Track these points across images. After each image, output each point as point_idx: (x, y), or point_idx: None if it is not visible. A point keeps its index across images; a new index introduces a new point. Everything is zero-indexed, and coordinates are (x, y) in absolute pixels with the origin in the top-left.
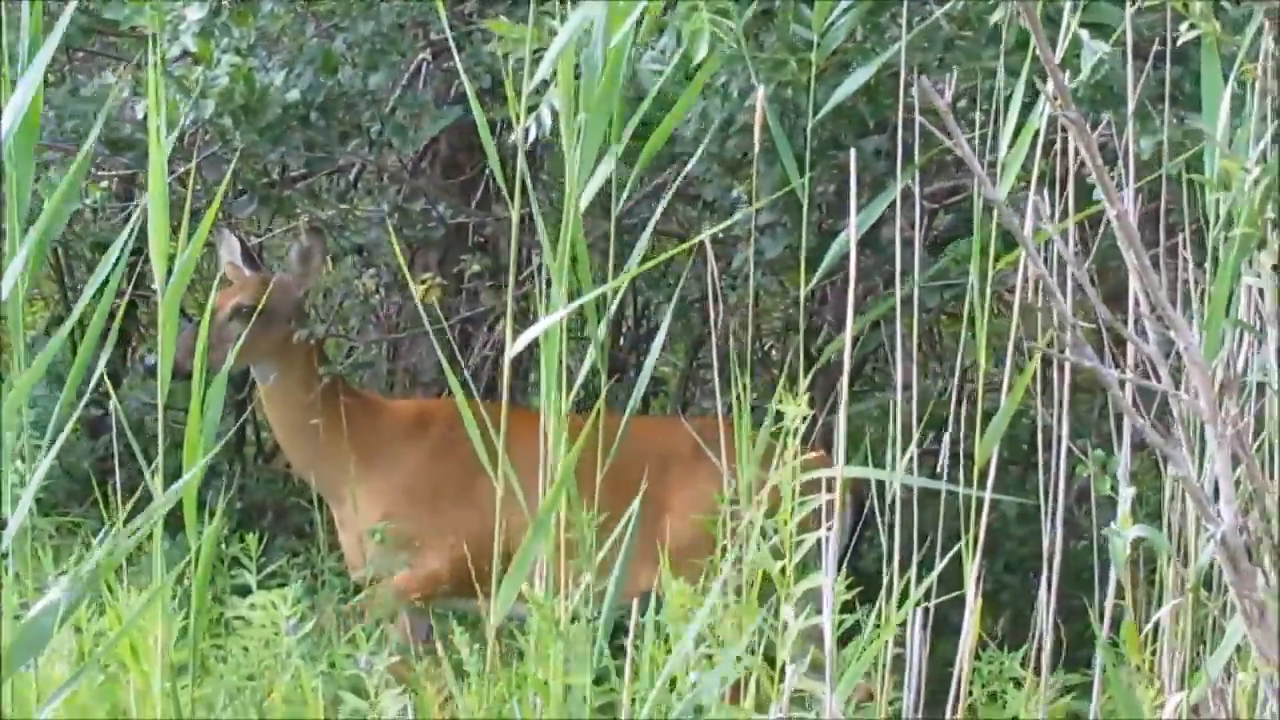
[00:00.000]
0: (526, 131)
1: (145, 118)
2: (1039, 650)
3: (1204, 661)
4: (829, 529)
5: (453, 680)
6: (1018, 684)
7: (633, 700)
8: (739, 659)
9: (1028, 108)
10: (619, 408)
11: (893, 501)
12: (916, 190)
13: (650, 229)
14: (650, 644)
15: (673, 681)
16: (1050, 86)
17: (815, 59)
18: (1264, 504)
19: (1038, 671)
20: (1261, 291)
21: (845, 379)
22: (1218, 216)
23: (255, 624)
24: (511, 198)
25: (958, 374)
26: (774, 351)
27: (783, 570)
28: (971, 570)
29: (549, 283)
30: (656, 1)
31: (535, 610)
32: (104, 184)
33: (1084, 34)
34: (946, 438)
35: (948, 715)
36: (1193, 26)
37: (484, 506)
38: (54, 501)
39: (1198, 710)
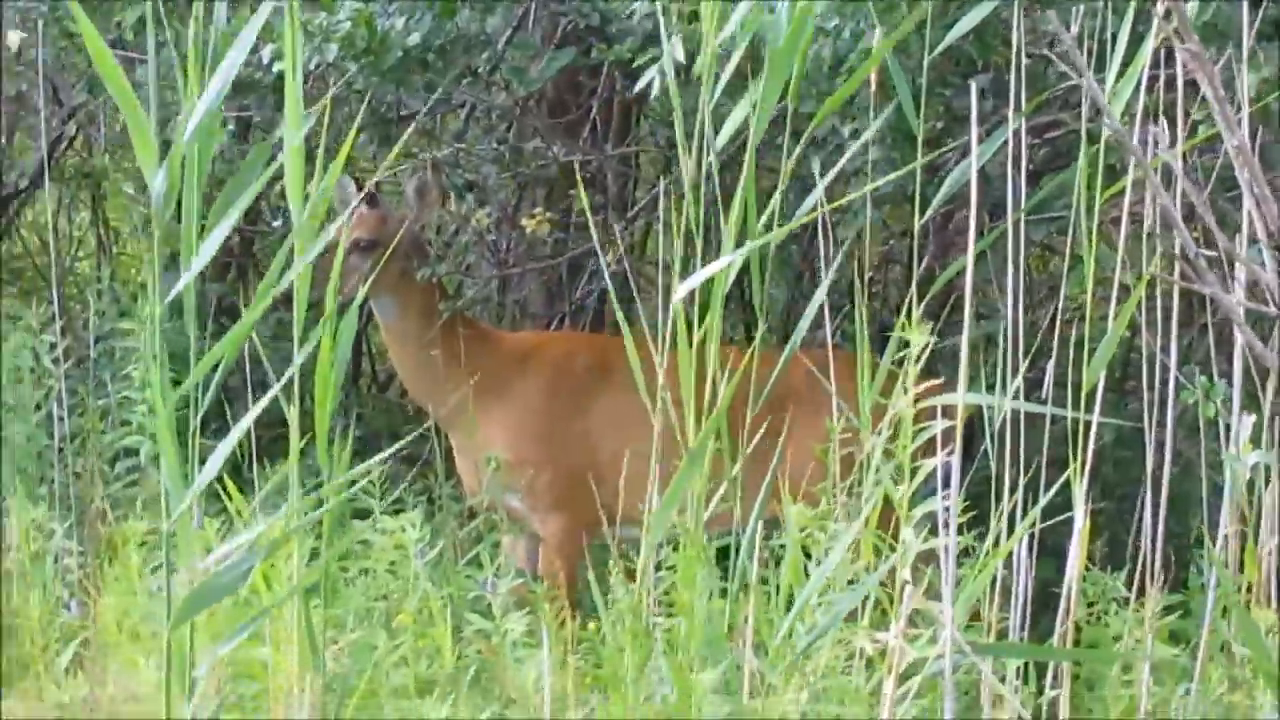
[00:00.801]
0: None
1: (269, 61)
2: (1143, 571)
3: None
4: (948, 454)
5: (599, 599)
6: (1121, 604)
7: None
8: (851, 580)
9: (1131, 46)
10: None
11: (1000, 427)
12: (1021, 127)
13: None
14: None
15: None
16: (1169, 19)
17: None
18: None
19: (1140, 592)
20: None
21: (968, 307)
22: None
23: (380, 549)
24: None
25: (1061, 302)
26: (873, 284)
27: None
28: (1080, 493)
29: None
30: None
31: (685, 537)
32: (228, 125)
33: None
34: (1050, 364)
35: (1056, 633)
36: None
37: (594, 432)
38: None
39: None
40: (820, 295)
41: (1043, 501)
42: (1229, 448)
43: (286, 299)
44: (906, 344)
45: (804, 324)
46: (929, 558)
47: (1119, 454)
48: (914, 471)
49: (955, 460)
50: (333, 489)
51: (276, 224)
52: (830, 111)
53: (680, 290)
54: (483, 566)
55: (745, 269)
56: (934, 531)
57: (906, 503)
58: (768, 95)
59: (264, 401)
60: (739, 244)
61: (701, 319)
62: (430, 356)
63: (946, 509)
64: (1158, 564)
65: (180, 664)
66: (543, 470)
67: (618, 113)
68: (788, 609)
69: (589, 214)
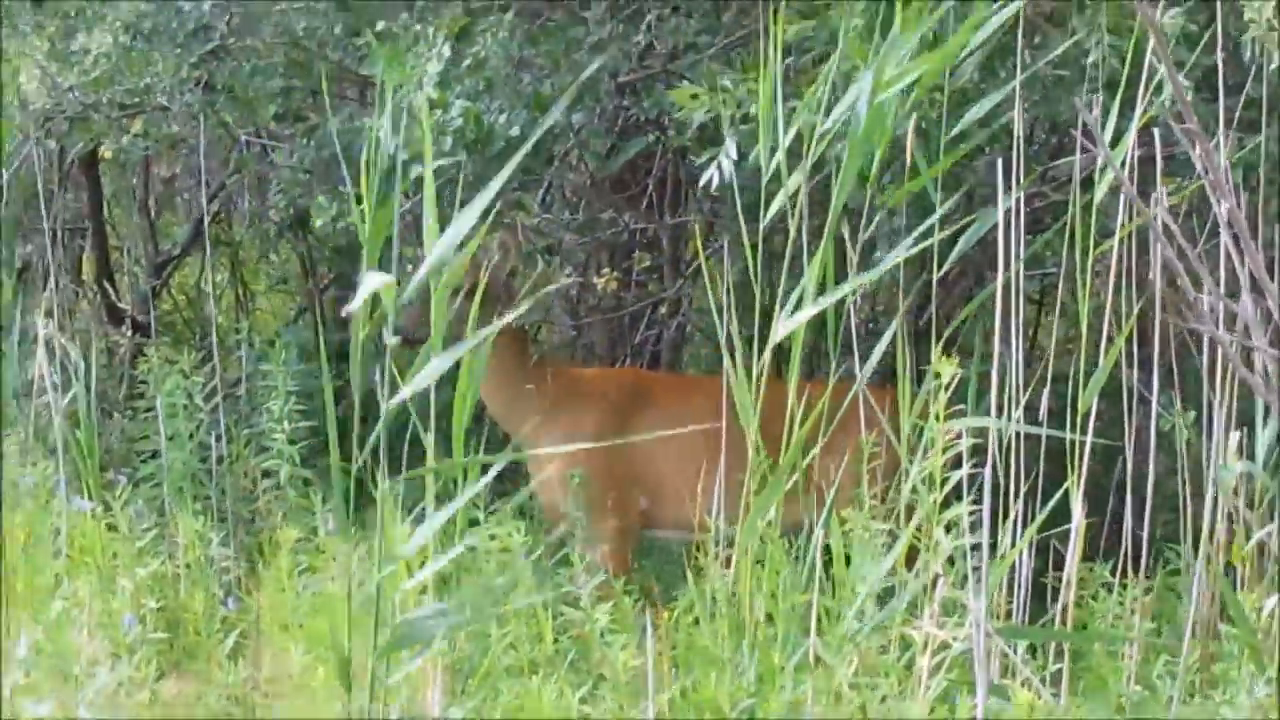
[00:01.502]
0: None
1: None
2: (1124, 562)
3: None
4: (975, 466)
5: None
6: (1106, 590)
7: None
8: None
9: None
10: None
11: (1007, 446)
12: (1021, 198)
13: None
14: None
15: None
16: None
17: (945, 98)
18: None
19: (1124, 576)
20: None
21: (996, 341)
22: None
23: (487, 551)
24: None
25: (1054, 342)
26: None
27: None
28: (1077, 501)
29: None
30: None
31: (770, 541)
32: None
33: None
34: (1046, 392)
35: (1057, 616)
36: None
37: (644, 450)
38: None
39: None
40: (885, 340)
41: (1046, 509)
42: (1217, 460)
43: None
44: (938, 375)
45: (871, 361)
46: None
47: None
48: (944, 482)
49: (988, 472)
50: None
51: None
52: (905, 194)
53: (776, 334)
54: (571, 565)
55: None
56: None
57: (937, 508)
58: (846, 175)
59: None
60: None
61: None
62: (520, 390)
63: (972, 514)
64: (1144, 557)
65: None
66: (600, 483)
67: (670, 187)
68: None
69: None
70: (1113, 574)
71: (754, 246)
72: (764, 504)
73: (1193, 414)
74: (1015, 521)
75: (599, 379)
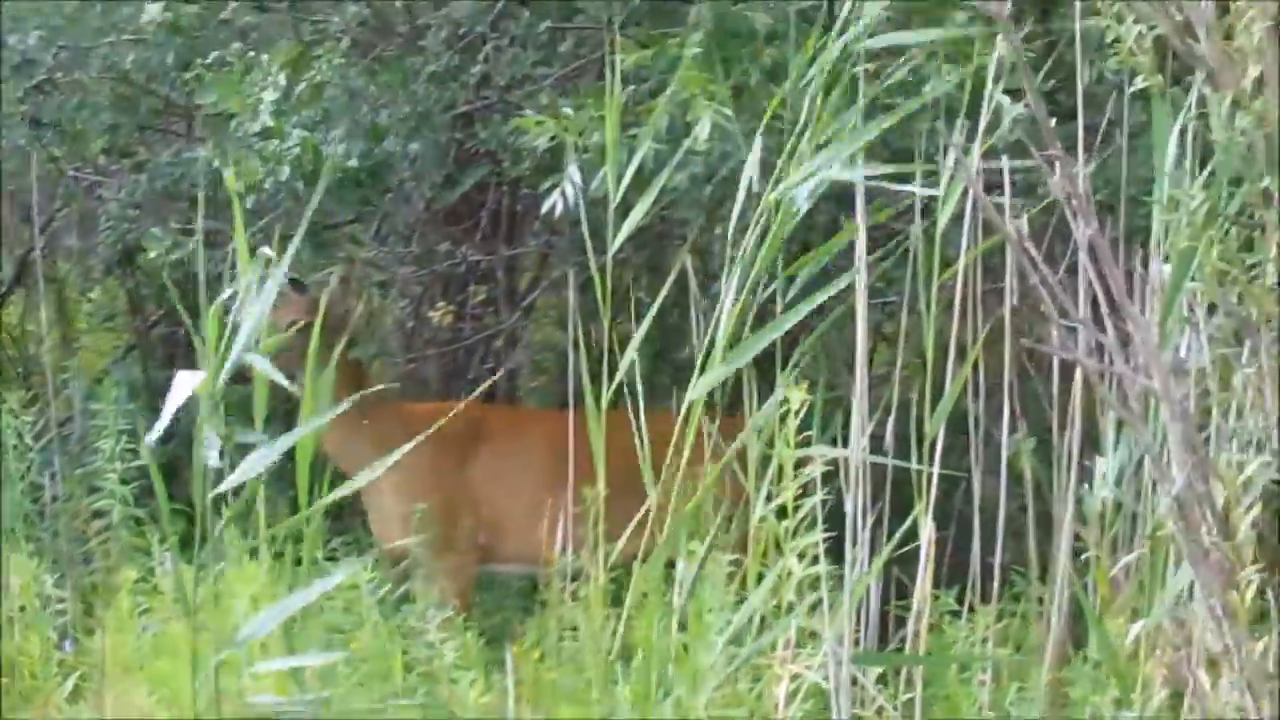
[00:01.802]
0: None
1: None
2: (972, 589)
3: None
4: (826, 494)
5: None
6: (955, 616)
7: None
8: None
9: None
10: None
11: (854, 474)
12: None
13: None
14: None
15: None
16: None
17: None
18: (1203, 467)
19: (972, 608)
20: (1198, 293)
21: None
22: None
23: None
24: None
25: (899, 369)
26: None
27: (786, 529)
28: (925, 530)
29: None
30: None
31: (644, 578)
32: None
33: (1005, 99)
34: (891, 420)
35: (908, 644)
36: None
37: (480, 482)
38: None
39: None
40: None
41: (896, 537)
42: (1062, 486)
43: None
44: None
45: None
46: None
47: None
48: (795, 509)
49: (858, 501)
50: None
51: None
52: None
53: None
54: (414, 601)
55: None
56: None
57: (789, 536)
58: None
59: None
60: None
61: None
62: (356, 426)
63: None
64: (995, 585)
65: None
66: (438, 519)
67: (504, 220)
68: (681, 628)
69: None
70: (959, 601)
71: (600, 277)
72: (668, 546)
73: (1034, 441)
74: (865, 549)
75: (436, 413)
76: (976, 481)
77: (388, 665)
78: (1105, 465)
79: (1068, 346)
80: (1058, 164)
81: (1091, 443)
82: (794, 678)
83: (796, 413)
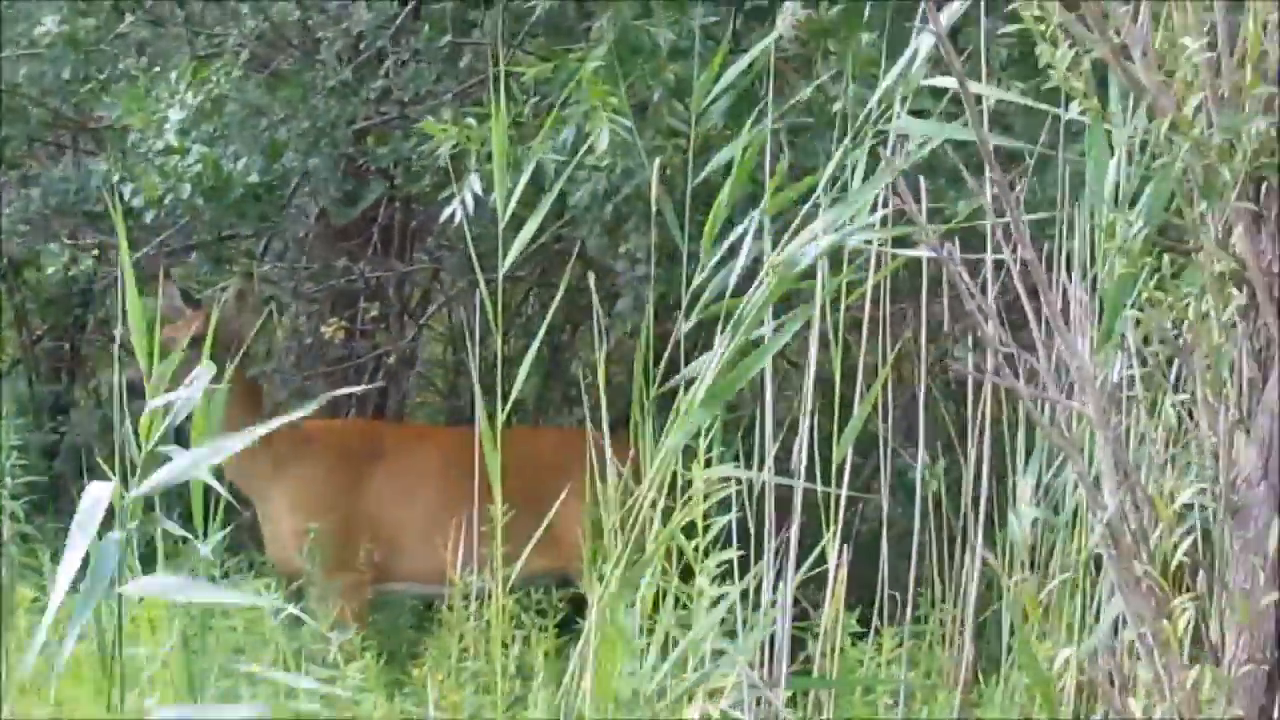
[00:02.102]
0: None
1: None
2: (879, 610)
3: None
4: (737, 515)
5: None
6: (860, 638)
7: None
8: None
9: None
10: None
11: (760, 497)
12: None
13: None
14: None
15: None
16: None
17: (693, 142)
18: (1135, 494)
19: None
20: (1136, 320)
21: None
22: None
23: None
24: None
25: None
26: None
27: (695, 549)
28: (833, 553)
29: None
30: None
31: (606, 607)
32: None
33: (915, 121)
34: (800, 442)
35: (815, 665)
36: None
37: (372, 505)
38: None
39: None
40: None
41: (809, 560)
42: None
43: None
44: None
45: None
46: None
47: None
48: (705, 529)
49: (796, 531)
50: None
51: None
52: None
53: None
54: (313, 621)
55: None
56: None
57: (700, 557)
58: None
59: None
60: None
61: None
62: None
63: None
64: (908, 607)
65: None
66: (333, 537)
67: (396, 236)
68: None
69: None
70: (864, 623)
71: (491, 295)
72: (637, 573)
73: (943, 464)
74: (771, 571)
75: (331, 431)
76: (885, 502)
77: (290, 688)
78: (1024, 487)
79: (1003, 373)
80: (999, 187)
81: (996, 463)
82: (712, 694)
83: (709, 433)
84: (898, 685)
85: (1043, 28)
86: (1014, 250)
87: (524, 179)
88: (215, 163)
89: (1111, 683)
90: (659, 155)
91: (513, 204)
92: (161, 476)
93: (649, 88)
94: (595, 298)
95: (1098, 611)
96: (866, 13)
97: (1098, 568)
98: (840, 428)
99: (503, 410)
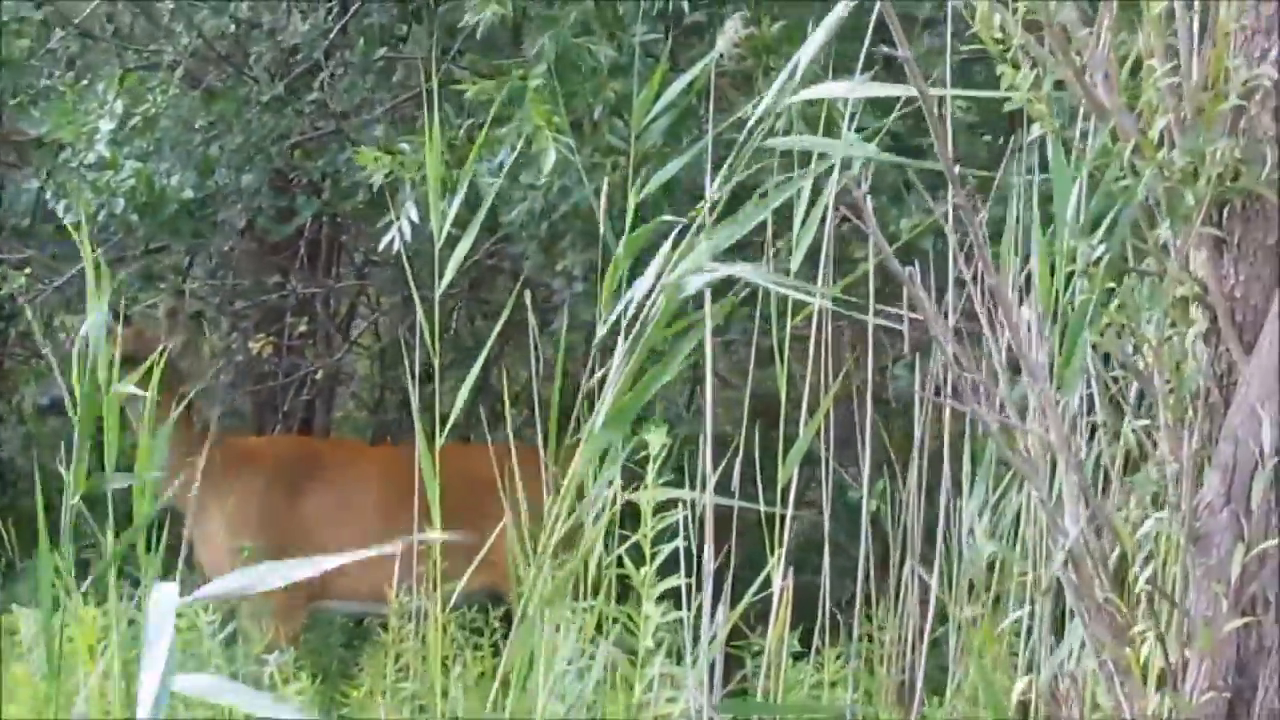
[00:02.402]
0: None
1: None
2: (819, 631)
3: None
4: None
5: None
6: (800, 659)
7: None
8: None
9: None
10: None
11: (701, 517)
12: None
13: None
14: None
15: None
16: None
17: (633, 160)
18: (1097, 520)
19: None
20: (1093, 345)
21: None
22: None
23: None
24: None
25: (745, 411)
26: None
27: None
28: (778, 576)
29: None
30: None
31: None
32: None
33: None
34: (739, 462)
35: (759, 686)
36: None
37: (308, 523)
38: None
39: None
40: None
41: (756, 584)
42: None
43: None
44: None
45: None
46: None
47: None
48: (653, 556)
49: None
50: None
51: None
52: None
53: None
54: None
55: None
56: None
57: (648, 582)
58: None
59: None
60: None
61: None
62: (184, 461)
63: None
64: (855, 629)
65: None
66: (267, 555)
67: (324, 252)
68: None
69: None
70: (805, 645)
71: (428, 314)
72: (558, 590)
73: (882, 484)
74: (709, 594)
75: (266, 448)
76: (827, 523)
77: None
78: (969, 511)
79: (970, 400)
80: (964, 212)
81: (936, 483)
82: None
83: (656, 457)
84: (842, 711)
85: (1002, 49)
86: (975, 274)
87: (458, 200)
88: (149, 178)
89: (1072, 711)
90: (599, 172)
91: (447, 225)
92: (231, 584)
93: (589, 105)
94: (531, 316)
95: (1058, 637)
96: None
97: (1058, 595)
98: (786, 447)
99: (441, 429)
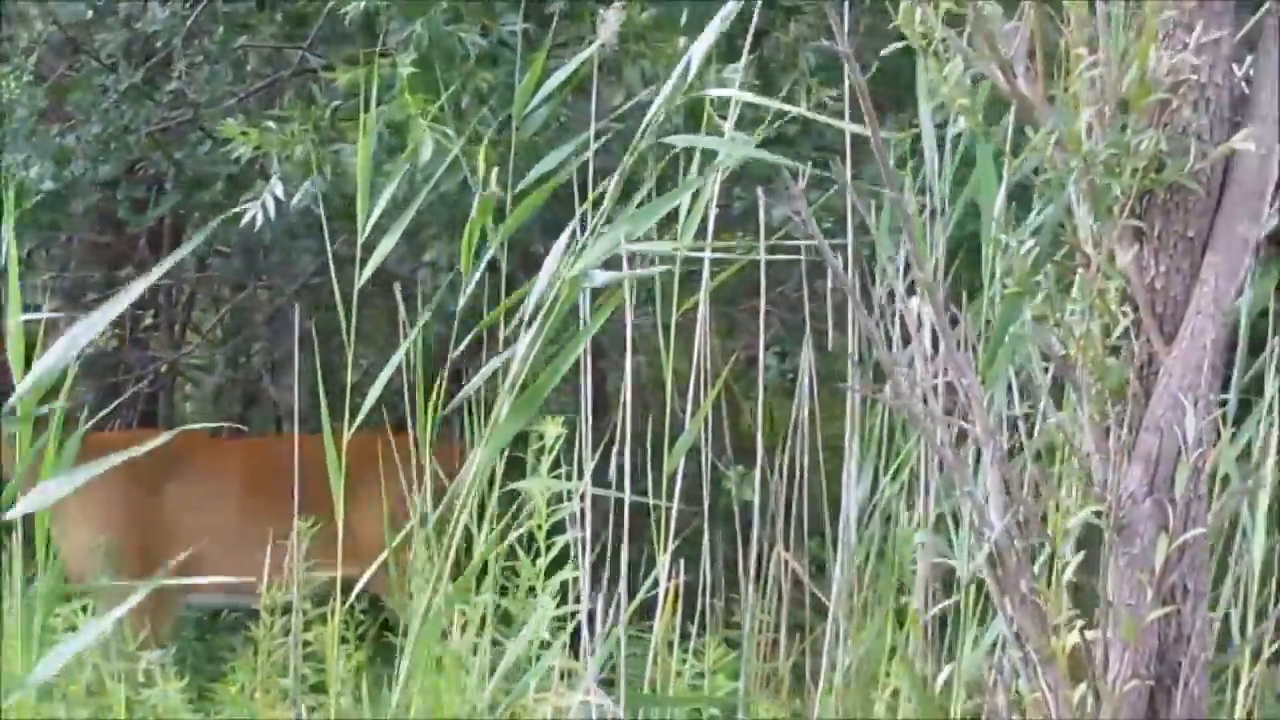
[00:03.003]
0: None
1: None
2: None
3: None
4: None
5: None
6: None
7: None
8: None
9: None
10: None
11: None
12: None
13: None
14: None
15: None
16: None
17: (513, 150)
18: (1021, 513)
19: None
20: (1021, 338)
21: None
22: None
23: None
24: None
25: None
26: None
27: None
28: (664, 566)
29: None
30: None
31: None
32: None
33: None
34: (620, 452)
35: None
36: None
37: (169, 518)
38: None
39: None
40: None
41: (651, 578)
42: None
43: None
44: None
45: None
46: None
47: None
48: (548, 548)
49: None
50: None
51: None
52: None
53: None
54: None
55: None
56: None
57: (543, 574)
58: None
59: None
60: None
61: None
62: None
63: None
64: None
65: None
66: (132, 550)
67: (167, 244)
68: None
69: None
70: (685, 637)
71: (346, 308)
72: (461, 586)
73: (748, 472)
74: (586, 584)
75: (126, 442)
76: (706, 512)
77: (110, 707)
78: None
79: (905, 399)
80: (895, 205)
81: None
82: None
83: (551, 448)
84: (733, 701)
85: (925, 43)
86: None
87: (372, 192)
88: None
89: (997, 700)
90: (469, 162)
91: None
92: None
93: (458, 94)
94: (402, 308)
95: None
96: (684, 16)
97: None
98: (672, 439)
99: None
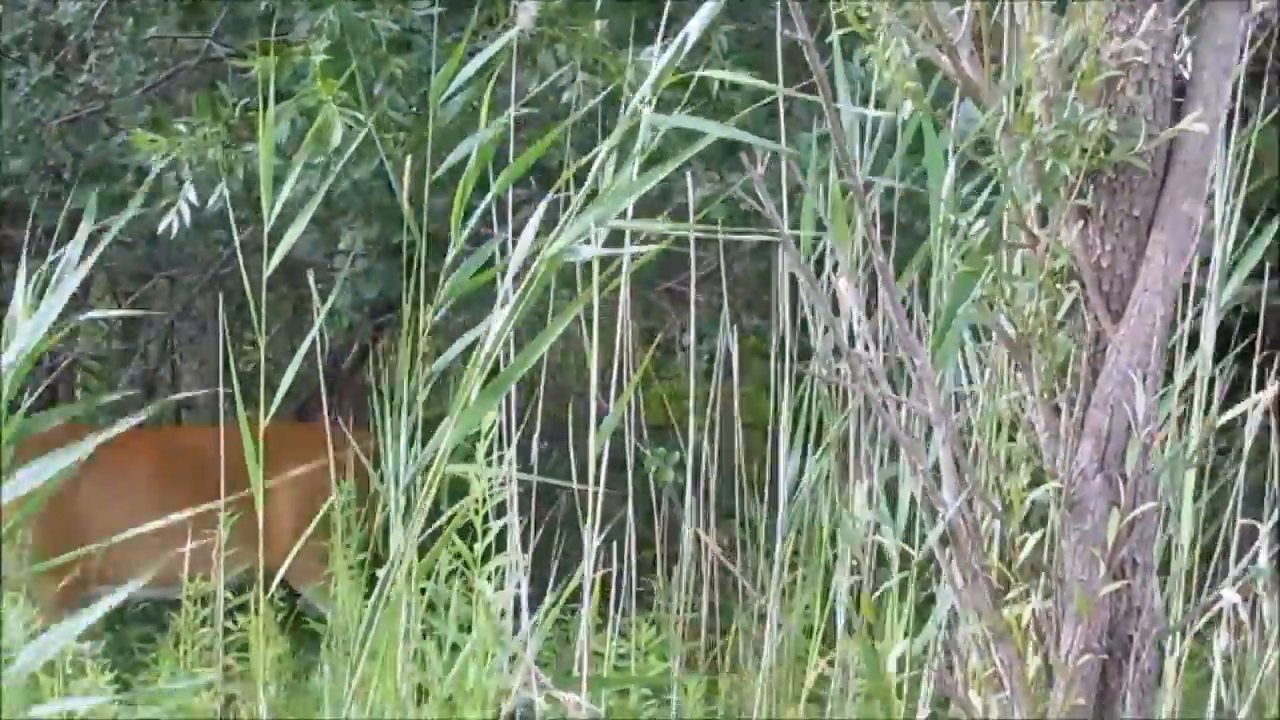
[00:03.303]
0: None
1: None
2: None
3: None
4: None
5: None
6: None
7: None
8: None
9: None
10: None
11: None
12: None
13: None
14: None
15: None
16: None
17: (431, 135)
18: (973, 491)
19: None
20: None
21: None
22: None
23: None
24: None
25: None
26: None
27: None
28: (590, 550)
29: None
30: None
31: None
32: None
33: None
34: (537, 437)
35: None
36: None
37: (81, 509)
38: None
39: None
40: None
41: (589, 560)
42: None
43: None
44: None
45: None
46: None
47: None
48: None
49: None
50: None
51: None
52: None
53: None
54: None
55: None
56: None
57: (480, 559)
58: None
59: None
60: None
61: None
62: None
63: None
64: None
65: None
66: (40, 542)
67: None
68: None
69: None
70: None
71: (255, 298)
72: (422, 569)
73: (677, 456)
74: (518, 569)
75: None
76: (630, 494)
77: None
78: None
79: (864, 381)
80: (855, 192)
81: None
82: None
83: (485, 435)
84: (665, 680)
85: (868, 28)
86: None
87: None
88: None
89: (952, 677)
90: (383, 148)
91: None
92: None
93: (371, 80)
94: (316, 299)
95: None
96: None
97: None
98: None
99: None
